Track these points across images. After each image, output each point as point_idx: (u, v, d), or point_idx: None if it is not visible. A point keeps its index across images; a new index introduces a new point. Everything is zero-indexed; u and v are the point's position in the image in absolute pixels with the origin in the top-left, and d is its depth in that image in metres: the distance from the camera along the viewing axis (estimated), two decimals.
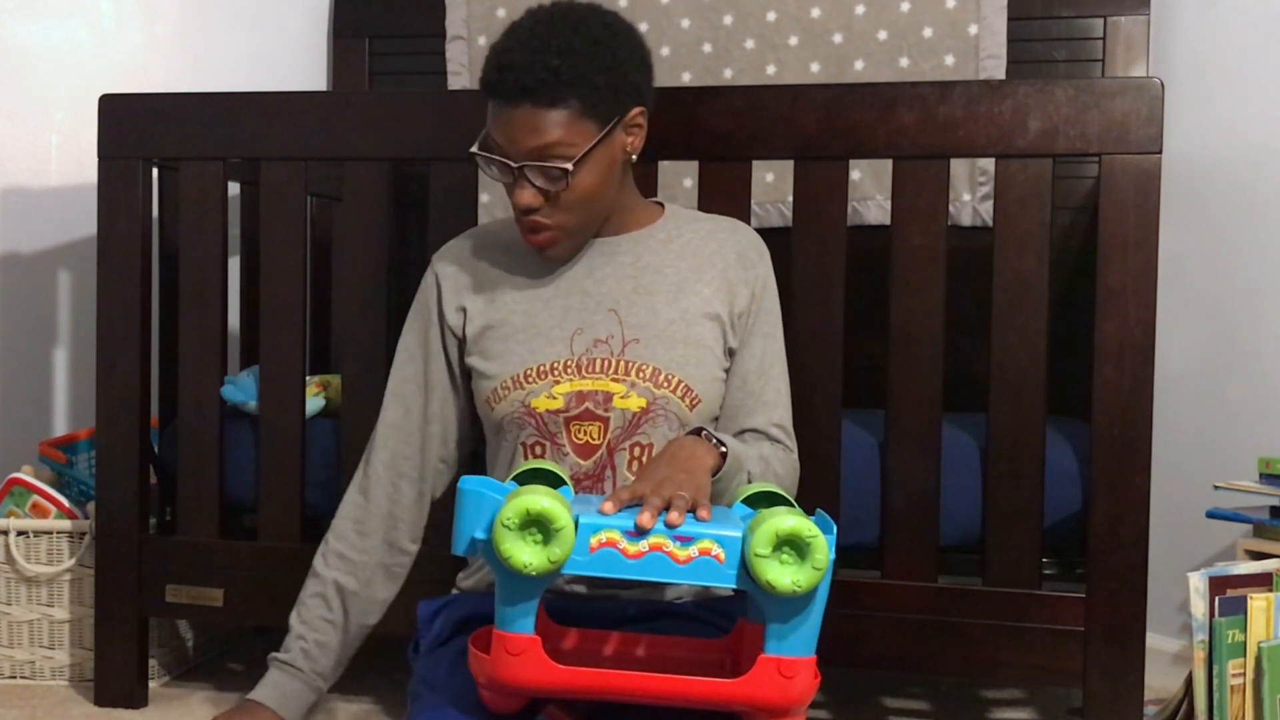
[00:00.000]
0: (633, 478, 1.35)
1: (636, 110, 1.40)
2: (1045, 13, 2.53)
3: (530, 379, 1.40)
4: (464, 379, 1.52)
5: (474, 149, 1.39)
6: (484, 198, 2.60)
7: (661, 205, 1.54)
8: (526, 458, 1.40)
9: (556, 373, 1.40)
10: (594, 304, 1.43)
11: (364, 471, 1.55)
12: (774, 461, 1.44)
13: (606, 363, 1.40)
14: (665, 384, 1.39)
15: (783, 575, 1.06)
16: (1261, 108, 2.25)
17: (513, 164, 1.35)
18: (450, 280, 1.51)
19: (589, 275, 1.46)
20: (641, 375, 1.39)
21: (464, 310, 1.49)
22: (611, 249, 1.47)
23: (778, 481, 1.42)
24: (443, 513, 1.40)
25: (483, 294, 1.49)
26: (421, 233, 1.92)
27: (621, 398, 1.38)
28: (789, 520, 1.06)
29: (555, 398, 1.39)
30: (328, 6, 2.94)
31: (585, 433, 1.39)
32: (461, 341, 1.50)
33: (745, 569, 1.08)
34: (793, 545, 1.06)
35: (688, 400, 1.40)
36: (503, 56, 1.34)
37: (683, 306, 1.43)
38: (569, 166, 1.34)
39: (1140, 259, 1.67)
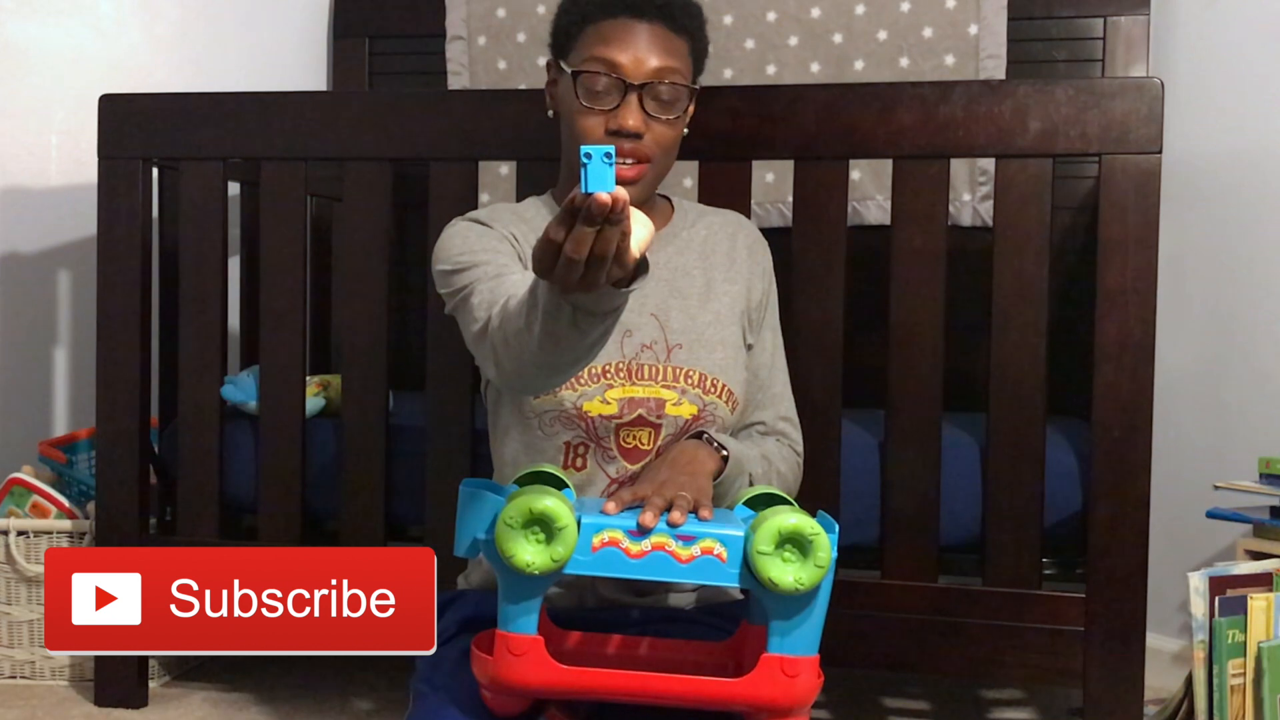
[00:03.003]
0: None
1: (698, 89, 1.42)
2: (1045, 13, 2.53)
3: (582, 380, 1.36)
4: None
5: (568, 69, 1.35)
6: (484, 198, 2.59)
7: (666, 198, 1.53)
8: (570, 457, 1.37)
9: (609, 375, 1.36)
10: (638, 306, 1.40)
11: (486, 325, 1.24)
12: (776, 460, 1.43)
13: (655, 369, 1.38)
14: (713, 389, 1.38)
15: (785, 573, 1.06)
16: (1261, 108, 2.25)
17: (634, 82, 1.33)
18: (495, 232, 1.39)
19: None
20: (690, 381, 1.37)
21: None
22: None
23: (780, 480, 1.42)
24: (444, 513, 1.39)
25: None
26: (421, 233, 1.92)
27: (674, 405, 1.36)
28: (791, 518, 1.06)
29: (609, 403, 1.35)
30: (328, 6, 2.94)
31: (635, 438, 1.37)
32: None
33: (748, 567, 1.08)
34: (795, 543, 1.07)
35: (730, 403, 1.39)
36: None
37: (714, 309, 1.42)
38: (696, 86, 1.37)
39: (1140, 259, 1.66)
